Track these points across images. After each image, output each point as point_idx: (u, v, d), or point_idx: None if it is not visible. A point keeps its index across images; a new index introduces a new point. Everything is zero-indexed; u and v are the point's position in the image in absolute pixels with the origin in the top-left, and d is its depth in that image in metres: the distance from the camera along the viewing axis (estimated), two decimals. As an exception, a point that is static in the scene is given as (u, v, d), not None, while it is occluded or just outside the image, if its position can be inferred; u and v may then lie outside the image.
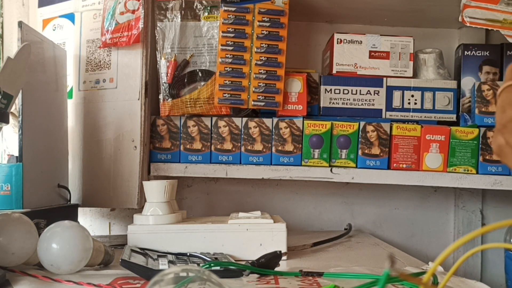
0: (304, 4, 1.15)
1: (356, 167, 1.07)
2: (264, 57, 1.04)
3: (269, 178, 1.06)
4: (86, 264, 0.68)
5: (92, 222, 1.27)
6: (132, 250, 0.75)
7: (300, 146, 1.07)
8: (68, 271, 0.66)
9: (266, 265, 0.69)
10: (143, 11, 1.01)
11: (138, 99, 1.02)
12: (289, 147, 1.07)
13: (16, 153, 0.91)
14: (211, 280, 0.39)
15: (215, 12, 1.08)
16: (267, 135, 1.07)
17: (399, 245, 1.28)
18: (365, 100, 1.10)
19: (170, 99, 1.07)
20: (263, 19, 1.04)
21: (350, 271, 0.68)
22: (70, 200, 1.04)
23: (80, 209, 1.08)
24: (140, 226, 0.82)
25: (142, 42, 1.02)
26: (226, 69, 1.04)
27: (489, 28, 1.01)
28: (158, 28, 1.08)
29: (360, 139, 1.06)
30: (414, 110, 1.10)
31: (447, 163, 1.06)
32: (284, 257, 0.76)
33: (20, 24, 0.89)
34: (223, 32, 1.04)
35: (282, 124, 1.07)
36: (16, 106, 0.93)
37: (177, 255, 0.78)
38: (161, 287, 0.38)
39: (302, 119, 1.07)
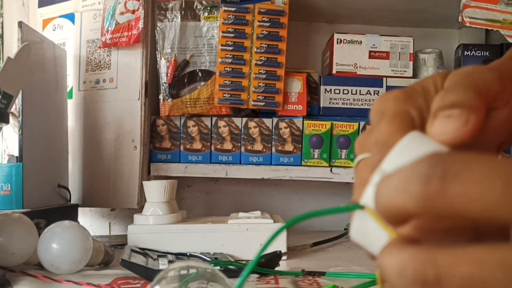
0: (304, 4, 1.15)
1: (356, 167, 1.07)
2: (264, 57, 1.04)
3: (269, 178, 1.06)
4: (86, 264, 0.68)
5: (92, 222, 1.27)
6: (132, 250, 0.75)
7: (300, 146, 1.07)
8: (68, 271, 0.66)
9: (266, 265, 0.69)
10: (143, 11, 1.01)
11: (138, 99, 1.02)
12: (289, 147, 1.07)
13: (16, 153, 0.91)
14: (215, 276, 0.39)
15: (215, 12, 1.08)
16: (267, 135, 1.07)
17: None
18: (365, 100, 1.10)
19: (170, 99, 1.07)
20: (263, 19, 1.04)
21: (350, 271, 0.68)
22: (70, 200, 1.04)
23: (80, 209, 1.08)
24: (140, 226, 0.82)
25: (142, 42, 1.02)
26: (226, 69, 1.04)
27: (489, 28, 1.01)
28: (158, 28, 1.08)
29: (360, 139, 1.06)
30: (414, 110, 1.10)
31: (447, 163, 1.06)
32: (284, 257, 0.76)
33: (20, 24, 0.89)
34: (223, 32, 1.04)
35: (282, 124, 1.07)
36: (16, 106, 0.94)
37: (177, 255, 0.78)
38: (168, 283, 0.38)
39: (302, 119, 1.07)
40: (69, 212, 1.01)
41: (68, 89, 1.10)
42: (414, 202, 0.21)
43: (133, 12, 1.01)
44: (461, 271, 0.20)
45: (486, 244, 0.20)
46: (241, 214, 0.87)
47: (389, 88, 1.10)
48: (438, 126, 0.26)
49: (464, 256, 0.20)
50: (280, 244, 0.78)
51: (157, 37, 1.08)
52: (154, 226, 0.82)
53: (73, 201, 1.06)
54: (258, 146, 1.07)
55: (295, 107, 1.07)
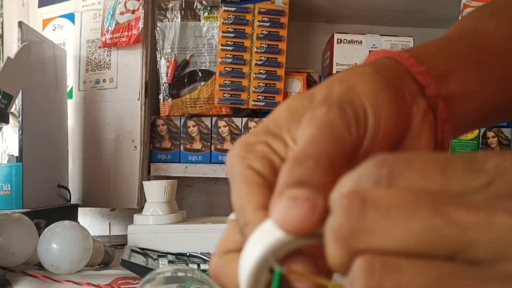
0: (304, 4, 1.15)
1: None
2: (264, 57, 1.04)
3: (269, 178, 1.06)
4: (86, 264, 0.68)
5: (92, 222, 1.27)
6: (132, 250, 0.75)
7: (300, 146, 1.07)
8: (68, 271, 0.66)
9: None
10: (143, 11, 1.01)
11: (138, 99, 1.02)
12: (289, 147, 1.06)
13: (16, 153, 0.91)
14: (203, 280, 0.39)
15: (215, 12, 1.08)
16: (267, 135, 1.07)
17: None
18: (365, 100, 1.09)
19: (170, 99, 1.07)
20: (263, 19, 1.04)
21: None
22: (70, 200, 1.04)
23: (80, 209, 1.08)
24: (140, 226, 0.82)
25: (142, 42, 1.02)
26: (226, 69, 1.04)
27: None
28: (158, 28, 1.08)
29: (360, 139, 1.06)
30: (414, 110, 1.10)
31: (447, 163, 1.06)
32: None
33: (20, 24, 0.89)
34: (223, 32, 1.04)
35: (282, 124, 1.06)
36: (16, 106, 0.93)
37: (177, 255, 0.78)
38: (152, 286, 0.38)
39: (302, 119, 1.07)
40: (69, 212, 1.01)
41: (68, 89, 1.10)
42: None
43: (133, 12, 1.01)
44: (392, 196, 0.19)
45: None
46: (241, 214, 0.87)
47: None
48: (280, 212, 0.22)
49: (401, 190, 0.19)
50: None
51: (157, 37, 1.08)
52: (154, 226, 0.81)
53: (73, 201, 1.06)
54: (258, 146, 1.07)
55: (295, 107, 1.06)
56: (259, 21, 1.04)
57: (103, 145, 1.05)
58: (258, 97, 1.04)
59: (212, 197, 1.29)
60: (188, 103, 1.07)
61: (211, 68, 1.07)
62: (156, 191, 0.83)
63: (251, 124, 1.07)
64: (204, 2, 1.08)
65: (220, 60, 1.04)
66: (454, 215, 0.18)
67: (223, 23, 1.04)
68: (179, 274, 0.40)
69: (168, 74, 1.07)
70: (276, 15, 1.04)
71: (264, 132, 0.28)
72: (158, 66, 1.08)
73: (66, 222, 0.69)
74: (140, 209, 0.93)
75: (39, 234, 0.68)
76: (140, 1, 1.01)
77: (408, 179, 0.20)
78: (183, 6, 1.08)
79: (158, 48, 1.08)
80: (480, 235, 0.18)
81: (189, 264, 0.72)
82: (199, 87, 1.07)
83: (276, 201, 0.23)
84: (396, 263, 0.18)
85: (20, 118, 0.89)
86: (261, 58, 1.04)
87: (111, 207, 1.21)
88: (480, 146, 1.06)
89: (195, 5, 1.09)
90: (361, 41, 1.10)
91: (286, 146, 0.28)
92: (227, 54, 1.04)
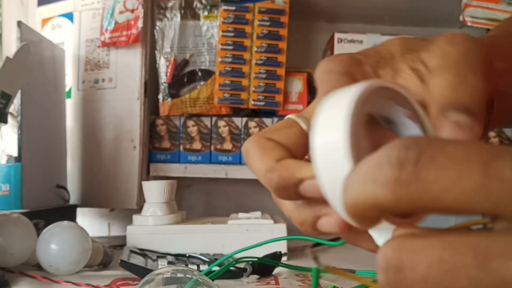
0: (304, 3, 1.15)
1: (357, 167, 1.06)
2: (264, 56, 1.04)
3: (269, 178, 1.06)
4: (85, 265, 0.68)
5: (91, 222, 1.26)
6: (131, 251, 0.74)
7: (300, 146, 1.06)
8: (67, 271, 0.66)
9: (266, 266, 0.68)
10: (142, 10, 1.00)
11: (138, 99, 1.02)
12: (289, 147, 1.06)
13: (15, 153, 0.90)
14: (203, 281, 0.39)
15: (215, 11, 1.07)
16: (267, 135, 1.06)
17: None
18: (366, 100, 1.09)
19: (169, 99, 1.07)
20: (263, 18, 1.04)
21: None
22: (69, 201, 1.04)
23: (79, 210, 1.07)
24: (139, 226, 0.82)
25: (141, 41, 1.01)
26: (226, 68, 1.04)
27: (490, 28, 1.01)
28: (157, 28, 1.08)
29: (360, 139, 1.06)
30: (415, 110, 1.10)
31: (448, 163, 1.05)
32: (284, 258, 0.75)
33: (19, 24, 0.89)
34: (223, 31, 1.04)
35: (282, 124, 1.06)
36: (15, 106, 0.93)
37: (177, 256, 0.77)
38: (152, 287, 0.38)
39: (302, 119, 1.06)
40: (68, 213, 1.01)
41: (67, 89, 1.09)
42: (385, 190, 0.19)
43: (132, 11, 1.01)
44: (429, 255, 0.18)
45: (460, 231, 0.19)
46: (241, 214, 0.87)
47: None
48: (447, 131, 0.25)
49: (435, 240, 0.19)
50: (280, 245, 0.78)
51: (156, 37, 1.08)
52: (153, 227, 0.81)
53: (72, 202, 1.06)
54: (258, 146, 1.06)
55: (296, 107, 1.06)
56: (259, 20, 1.04)
57: (102, 145, 1.05)
58: (258, 97, 1.04)
59: (212, 197, 1.28)
60: (188, 103, 1.06)
61: (211, 67, 1.07)
62: (155, 192, 0.83)
63: (251, 124, 1.06)
64: (203, 1, 1.08)
65: (220, 59, 1.04)
66: None
67: (223, 22, 1.04)
68: (179, 275, 0.40)
69: (168, 74, 1.07)
70: (276, 14, 1.04)
71: (374, 54, 0.31)
72: (157, 65, 1.08)
73: (65, 222, 0.69)
74: (139, 210, 0.92)
75: (38, 235, 0.68)
76: (140, 0, 1.01)
77: (439, 169, 0.18)
78: (183, 5, 1.08)
79: (158, 48, 1.08)
80: None
81: (189, 265, 0.72)
82: (198, 87, 1.07)
83: (439, 117, 0.26)
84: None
85: (19, 118, 0.89)
86: (261, 57, 1.04)
87: (110, 207, 1.21)
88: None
89: (194, 4, 1.08)
90: (362, 41, 1.10)
91: (395, 72, 0.30)
92: (227, 53, 1.04)
